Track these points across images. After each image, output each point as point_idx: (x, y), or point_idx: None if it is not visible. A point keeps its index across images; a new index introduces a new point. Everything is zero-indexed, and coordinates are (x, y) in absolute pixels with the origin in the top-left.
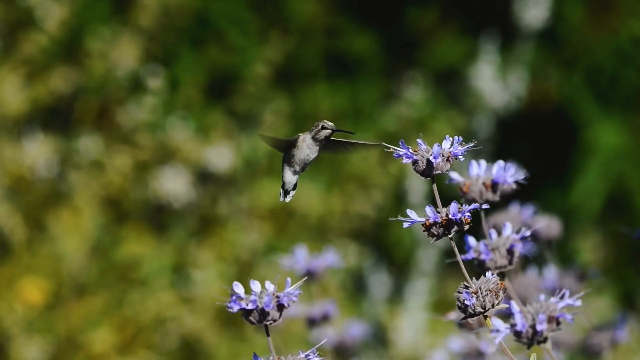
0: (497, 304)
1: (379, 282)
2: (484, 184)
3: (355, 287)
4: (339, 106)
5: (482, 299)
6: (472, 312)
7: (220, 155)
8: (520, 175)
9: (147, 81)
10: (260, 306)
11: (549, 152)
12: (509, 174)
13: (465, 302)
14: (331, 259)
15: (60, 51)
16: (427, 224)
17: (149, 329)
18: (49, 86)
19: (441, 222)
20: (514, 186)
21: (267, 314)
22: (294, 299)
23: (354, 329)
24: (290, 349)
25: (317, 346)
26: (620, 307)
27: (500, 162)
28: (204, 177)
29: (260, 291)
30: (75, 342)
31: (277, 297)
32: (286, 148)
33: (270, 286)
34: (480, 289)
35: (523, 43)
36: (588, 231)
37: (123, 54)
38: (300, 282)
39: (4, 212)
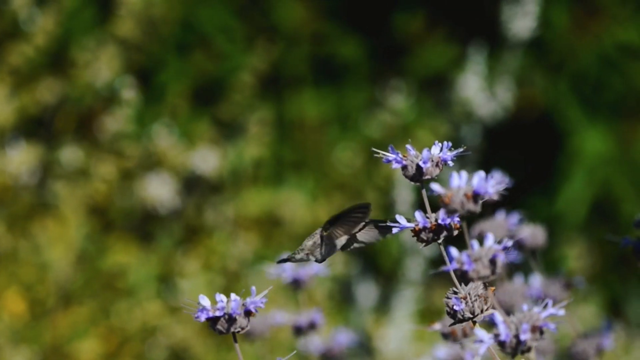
0: (486, 310)
1: (366, 291)
2: (465, 195)
3: (342, 296)
4: (325, 113)
5: (471, 304)
6: (462, 317)
7: (206, 161)
8: (502, 185)
9: (130, 90)
10: (227, 313)
11: (534, 159)
12: (490, 184)
13: (455, 307)
14: (318, 267)
15: (46, 61)
16: (417, 229)
17: (136, 338)
18: (35, 96)
19: (430, 227)
20: (495, 197)
21: (235, 320)
22: (261, 305)
23: (341, 337)
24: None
25: (291, 355)
26: (606, 315)
27: (482, 173)
28: (190, 186)
29: (227, 301)
30: (61, 351)
31: (244, 304)
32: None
33: (236, 297)
34: (469, 294)
35: (510, 53)
36: (574, 238)
37: (106, 63)
38: (266, 291)
39: None
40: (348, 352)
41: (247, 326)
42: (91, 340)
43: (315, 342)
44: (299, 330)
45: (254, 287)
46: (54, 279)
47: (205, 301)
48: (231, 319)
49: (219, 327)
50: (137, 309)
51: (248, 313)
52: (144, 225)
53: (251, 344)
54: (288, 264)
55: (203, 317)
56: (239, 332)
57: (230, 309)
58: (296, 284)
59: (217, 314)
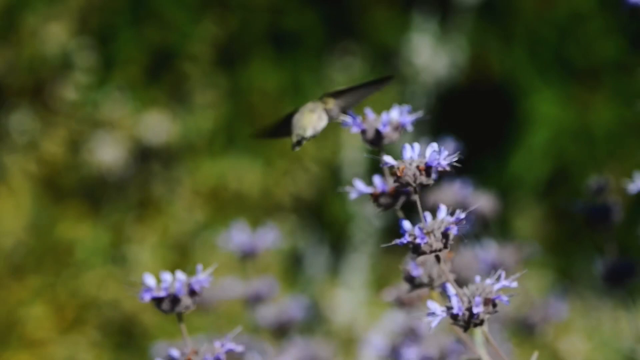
0: (444, 275)
1: (317, 260)
2: (417, 167)
3: (294, 265)
4: (281, 82)
5: (429, 270)
6: (419, 283)
7: (157, 129)
8: (454, 157)
9: (81, 58)
10: (172, 293)
11: (490, 126)
12: (443, 157)
13: (412, 273)
14: (270, 237)
15: None
16: (375, 194)
17: (87, 308)
18: None
19: (389, 191)
20: (448, 169)
21: (179, 301)
22: (206, 284)
23: (293, 308)
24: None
25: (233, 334)
26: (560, 282)
27: (434, 145)
28: (142, 154)
29: (172, 280)
30: (11, 322)
31: (189, 284)
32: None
33: (181, 276)
34: (427, 260)
35: (461, 13)
36: (528, 205)
37: (57, 31)
38: (211, 269)
39: None
40: (300, 320)
41: (191, 305)
42: (43, 310)
43: (267, 312)
44: (251, 301)
45: (199, 265)
46: (4, 250)
47: (150, 280)
48: (175, 299)
49: (163, 307)
50: (87, 279)
51: (193, 293)
52: (95, 195)
53: (202, 316)
54: (239, 233)
55: (147, 298)
56: (183, 312)
57: (175, 289)
58: (248, 255)
59: (162, 294)
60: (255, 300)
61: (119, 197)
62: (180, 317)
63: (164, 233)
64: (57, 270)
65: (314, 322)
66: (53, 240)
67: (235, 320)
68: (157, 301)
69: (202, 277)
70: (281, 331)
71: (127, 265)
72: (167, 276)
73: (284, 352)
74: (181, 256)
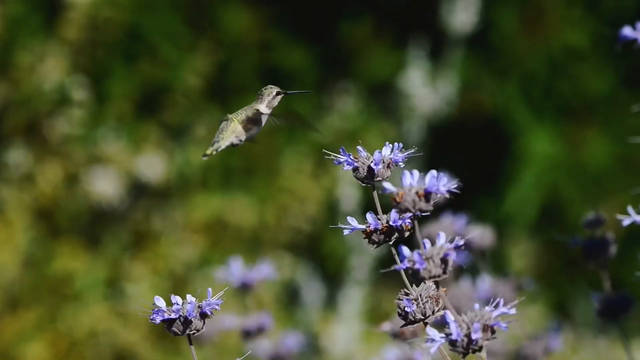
0: (437, 311)
1: (313, 293)
2: (417, 193)
3: (290, 299)
4: None
5: (422, 306)
6: (413, 318)
7: (152, 165)
8: (453, 184)
9: (75, 94)
10: (183, 315)
11: (482, 161)
12: (442, 183)
13: (406, 309)
14: (266, 270)
15: None
16: (368, 231)
17: (83, 343)
18: None
19: (382, 228)
20: (447, 195)
21: (190, 322)
22: (217, 307)
23: (290, 341)
24: None
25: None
26: (554, 316)
27: (433, 172)
28: (137, 190)
29: (182, 303)
30: (8, 356)
31: (200, 306)
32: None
33: (191, 298)
34: (420, 295)
35: (452, 48)
36: (522, 240)
37: (51, 67)
38: (221, 292)
39: None
40: (296, 353)
41: (202, 328)
42: (38, 344)
43: (264, 346)
44: (247, 334)
45: (209, 289)
46: (0, 284)
47: (160, 302)
48: (187, 321)
49: (174, 329)
50: (84, 314)
51: (204, 315)
52: (92, 230)
53: (197, 349)
54: (236, 267)
55: (159, 319)
56: (194, 334)
57: (186, 311)
58: (244, 288)
59: (173, 315)
60: (252, 333)
61: (115, 232)
62: (190, 339)
63: (160, 267)
64: (53, 304)
65: (311, 354)
66: (49, 274)
67: (232, 352)
68: (169, 323)
69: (213, 300)
70: None
71: (124, 299)
72: (177, 299)
73: None
74: (178, 290)
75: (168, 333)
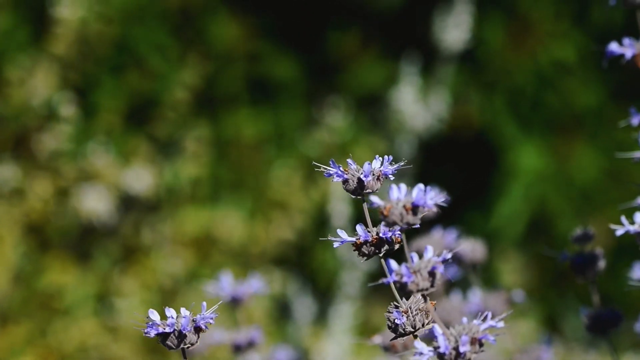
0: (428, 323)
1: (303, 307)
2: (404, 207)
3: (280, 313)
4: (262, 132)
5: (412, 318)
6: (403, 331)
7: (141, 180)
8: (441, 198)
9: (64, 109)
10: (177, 329)
11: (471, 176)
12: (429, 197)
13: (396, 321)
14: (256, 285)
15: None
16: (358, 243)
17: (73, 357)
18: None
19: (372, 240)
20: (435, 209)
21: (185, 336)
22: (211, 321)
23: (280, 355)
24: None
25: None
26: (545, 330)
27: (421, 186)
28: (126, 204)
29: (177, 316)
30: None
31: (194, 320)
32: None
33: (186, 312)
34: (410, 308)
35: (444, 65)
36: (511, 254)
37: (40, 82)
38: (215, 306)
39: None
40: None
41: (197, 342)
42: (28, 358)
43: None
44: (238, 348)
45: (204, 303)
46: None
47: (155, 316)
48: (181, 335)
49: (168, 342)
50: (74, 328)
51: (198, 329)
52: (81, 244)
53: None
54: (226, 281)
55: (153, 333)
56: (188, 347)
57: (180, 325)
58: (235, 302)
59: (167, 329)
60: (242, 347)
61: (104, 246)
62: (184, 353)
63: (150, 281)
64: (43, 319)
65: None
66: (39, 289)
67: None
68: (163, 337)
69: (207, 314)
70: None
71: (114, 314)
72: (172, 312)
73: None
74: (168, 304)
75: (159, 347)
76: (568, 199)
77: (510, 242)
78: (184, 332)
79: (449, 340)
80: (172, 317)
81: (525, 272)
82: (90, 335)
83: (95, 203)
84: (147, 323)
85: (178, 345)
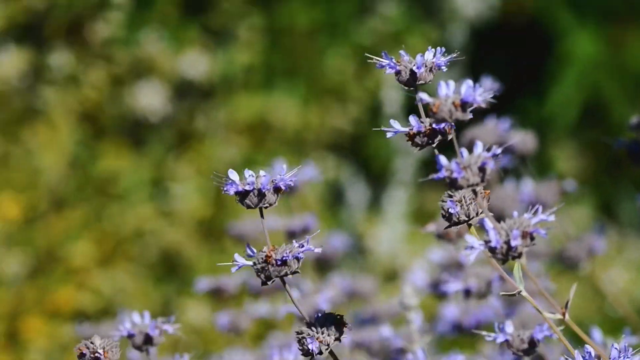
0: (481, 212)
1: (357, 193)
2: (453, 103)
3: (334, 199)
4: (315, 20)
5: (466, 207)
6: (457, 220)
7: (196, 66)
8: (490, 93)
9: None
10: (257, 188)
11: (525, 63)
12: (478, 93)
13: (450, 210)
14: (310, 172)
15: None
16: (411, 134)
17: (128, 242)
18: (24, 3)
19: (425, 131)
20: (484, 105)
21: (264, 195)
22: (290, 183)
23: (335, 241)
24: None
25: (309, 237)
26: (599, 217)
27: (469, 81)
28: (181, 92)
29: (256, 176)
30: (54, 255)
31: (274, 180)
32: None
33: (264, 173)
34: (464, 197)
35: None
36: (565, 141)
37: None
38: (295, 170)
39: None
40: (342, 253)
41: (275, 202)
42: (84, 243)
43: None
44: (292, 235)
45: (284, 164)
46: (46, 184)
47: (234, 175)
48: (261, 194)
49: (247, 201)
50: (129, 213)
51: (277, 189)
52: (136, 131)
53: (243, 248)
54: (280, 168)
55: (232, 191)
56: (267, 207)
57: (260, 184)
58: (289, 189)
59: (247, 188)
60: (297, 234)
61: (159, 133)
62: (262, 212)
63: (204, 167)
64: (99, 204)
65: (356, 254)
66: (94, 174)
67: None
68: (242, 195)
69: (287, 176)
70: (323, 265)
71: (169, 199)
72: (251, 172)
73: (326, 286)
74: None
75: (213, 232)
76: (622, 86)
77: (564, 129)
78: (263, 190)
79: (500, 234)
80: (252, 176)
81: (580, 159)
82: (145, 220)
83: (149, 99)
84: (226, 182)
85: (257, 204)
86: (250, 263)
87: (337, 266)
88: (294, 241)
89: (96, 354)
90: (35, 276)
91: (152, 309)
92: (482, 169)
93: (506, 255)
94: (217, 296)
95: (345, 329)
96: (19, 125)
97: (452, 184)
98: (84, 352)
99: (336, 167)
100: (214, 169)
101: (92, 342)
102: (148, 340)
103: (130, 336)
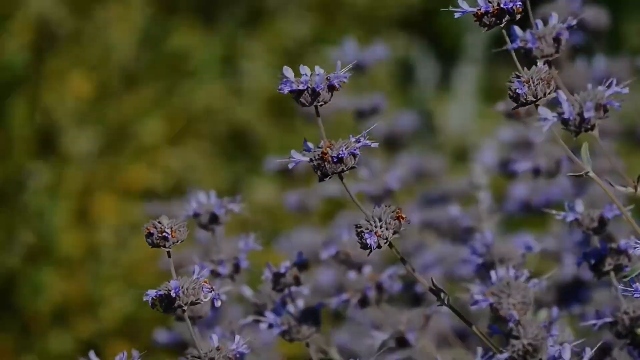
0: (549, 93)
1: (427, 70)
2: None
3: (404, 76)
4: None
5: (533, 88)
6: (524, 100)
7: None
8: None
9: None
10: (311, 86)
11: None
12: None
13: (517, 91)
14: (380, 51)
15: None
16: (479, 13)
17: (199, 120)
18: None
19: (493, 11)
20: None
21: (318, 94)
22: (344, 80)
23: (404, 120)
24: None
25: (366, 132)
26: None
27: None
28: None
29: (310, 74)
30: (125, 133)
31: (328, 78)
32: None
33: (320, 70)
34: (532, 78)
35: None
36: (638, 16)
37: None
38: (349, 66)
39: (51, 3)
40: (410, 132)
41: (329, 100)
42: (155, 121)
43: (379, 124)
44: (361, 114)
45: (339, 62)
46: (117, 61)
47: (289, 73)
48: (315, 92)
49: (302, 100)
50: (200, 90)
51: (331, 87)
52: (207, 8)
53: (313, 127)
54: (350, 47)
55: (286, 90)
56: (321, 105)
57: (314, 82)
58: (358, 67)
59: (301, 87)
60: (366, 113)
61: (230, 9)
62: (317, 110)
63: (274, 44)
64: (170, 81)
65: (425, 132)
66: (166, 51)
67: (347, 129)
68: (297, 93)
69: (341, 73)
70: (392, 143)
71: (240, 76)
72: (306, 70)
73: (395, 164)
74: (292, 67)
75: (284, 110)
76: None
77: (638, 4)
78: (317, 89)
79: (573, 106)
80: (306, 75)
81: None
82: (216, 98)
83: None
84: (281, 80)
85: (311, 103)
86: (307, 159)
87: (406, 145)
88: (350, 136)
89: (164, 234)
90: (106, 154)
91: (222, 187)
92: (556, 40)
93: (579, 127)
94: (287, 175)
95: (403, 222)
96: (90, 1)
97: (527, 55)
98: (151, 231)
99: (407, 44)
100: (285, 47)
101: (159, 222)
102: (214, 219)
103: (196, 215)
